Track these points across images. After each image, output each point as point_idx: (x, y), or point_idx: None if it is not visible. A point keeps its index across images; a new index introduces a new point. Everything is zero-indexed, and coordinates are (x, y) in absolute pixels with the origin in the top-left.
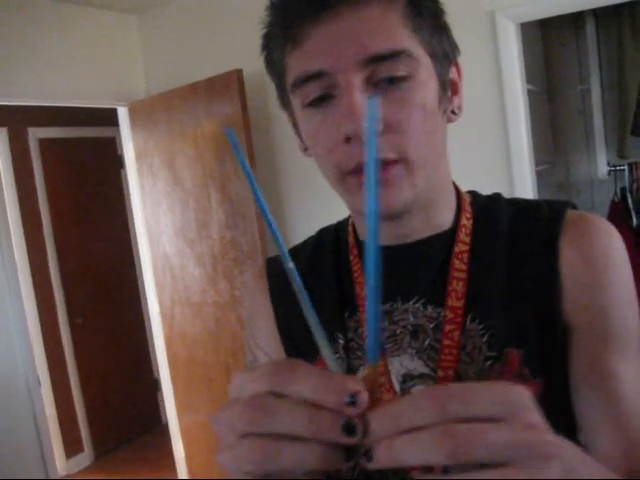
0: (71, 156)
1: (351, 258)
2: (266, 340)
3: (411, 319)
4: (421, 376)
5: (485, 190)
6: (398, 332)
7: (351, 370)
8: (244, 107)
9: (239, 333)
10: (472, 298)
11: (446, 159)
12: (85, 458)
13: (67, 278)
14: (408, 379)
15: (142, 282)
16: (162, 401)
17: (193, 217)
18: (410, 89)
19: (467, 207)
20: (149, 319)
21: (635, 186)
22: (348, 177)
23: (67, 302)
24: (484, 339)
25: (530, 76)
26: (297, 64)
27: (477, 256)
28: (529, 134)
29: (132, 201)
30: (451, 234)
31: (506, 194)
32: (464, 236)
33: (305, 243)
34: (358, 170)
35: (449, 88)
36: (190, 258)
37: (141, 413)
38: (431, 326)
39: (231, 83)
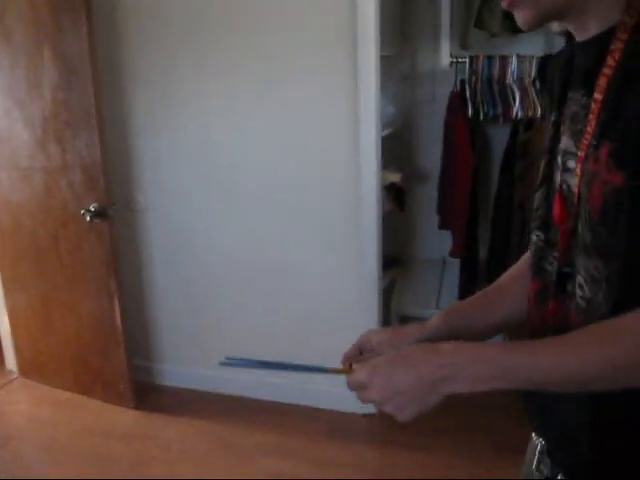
0: None
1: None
2: None
3: (573, 107)
4: (571, 153)
5: (327, 67)
6: (569, 115)
7: (556, 141)
8: None
9: (70, 200)
10: (608, 93)
11: None
12: None
13: None
14: (565, 154)
15: None
16: None
17: (23, 75)
18: None
19: (632, 3)
20: None
21: (474, 78)
22: None
23: None
24: (598, 130)
25: None
26: None
27: (627, 54)
28: (377, 17)
29: None
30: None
31: (349, 76)
32: (621, 33)
33: None
34: None
35: None
36: (18, 120)
37: None
38: (583, 114)
39: None
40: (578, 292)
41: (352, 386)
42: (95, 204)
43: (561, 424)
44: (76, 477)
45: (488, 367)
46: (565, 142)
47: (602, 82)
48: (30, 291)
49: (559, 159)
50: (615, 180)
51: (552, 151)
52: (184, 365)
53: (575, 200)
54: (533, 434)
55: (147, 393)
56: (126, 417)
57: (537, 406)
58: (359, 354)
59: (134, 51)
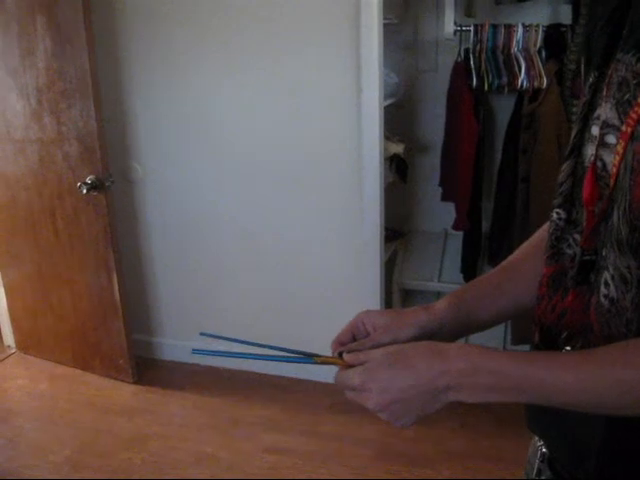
0: None
1: None
2: None
3: (622, 71)
4: (612, 126)
5: (329, 35)
6: (613, 81)
7: (591, 108)
8: None
9: (65, 173)
10: None
11: None
12: None
13: None
14: (605, 126)
15: None
16: None
17: (16, 43)
18: None
19: None
20: None
21: (478, 47)
22: None
23: None
24: None
25: None
26: None
27: None
28: None
29: None
30: None
31: (351, 45)
32: None
33: None
34: None
35: None
36: (12, 90)
37: None
38: (634, 82)
39: None
40: (603, 290)
41: (342, 386)
42: (91, 176)
43: (568, 434)
44: (77, 453)
45: (497, 378)
46: (607, 112)
47: None
48: (27, 265)
49: (594, 130)
50: None
51: (585, 119)
52: (184, 339)
53: (611, 182)
54: (535, 436)
55: (147, 367)
56: (126, 392)
57: (540, 409)
58: (352, 339)
59: (131, 18)
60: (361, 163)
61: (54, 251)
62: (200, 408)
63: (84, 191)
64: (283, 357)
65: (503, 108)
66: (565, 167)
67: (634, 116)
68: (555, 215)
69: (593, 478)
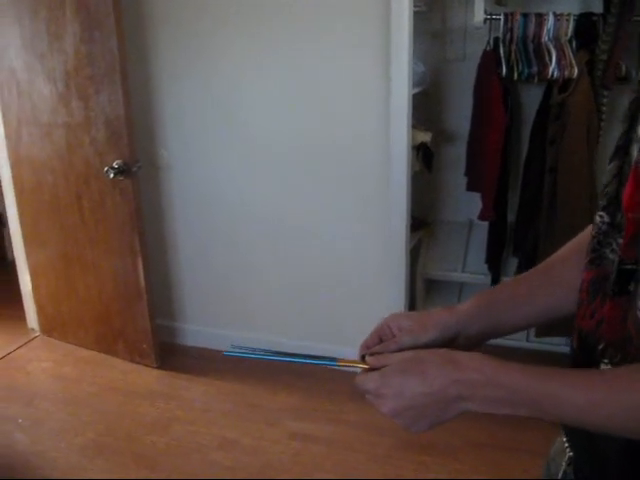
0: None
1: None
2: None
3: None
4: None
5: (359, 23)
6: None
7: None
8: None
9: (92, 157)
10: None
11: None
12: None
13: None
14: None
15: None
16: (8, 235)
17: (44, 28)
18: None
19: None
20: None
21: (509, 36)
22: None
23: None
24: None
25: None
26: None
27: None
28: None
29: None
30: None
31: (381, 33)
32: None
33: None
34: None
35: None
36: (40, 74)
37: None
38: None
39: None
40: (639, 303)
41: (359, 390)
42: (119, 161)
43: (591, 444)
44: (101, 436)
45: (508, 393)
46: None
47: None
48: (52, 249)
49: None
50: None
51: (634, 118)
52: (207, 325)
53: None
54: (564, 435)
55: (170, 353)
56: (149, 376)
57: None
58: (379, 342)
59: (158, 5)
60: (389, 152)
61: (79, 235)
62: (223, 394)
63: (111, 176)
64: (307, 359)
65: (530, 98)
66: (611, 167)
67: None
68: (598, 218)
69: None
